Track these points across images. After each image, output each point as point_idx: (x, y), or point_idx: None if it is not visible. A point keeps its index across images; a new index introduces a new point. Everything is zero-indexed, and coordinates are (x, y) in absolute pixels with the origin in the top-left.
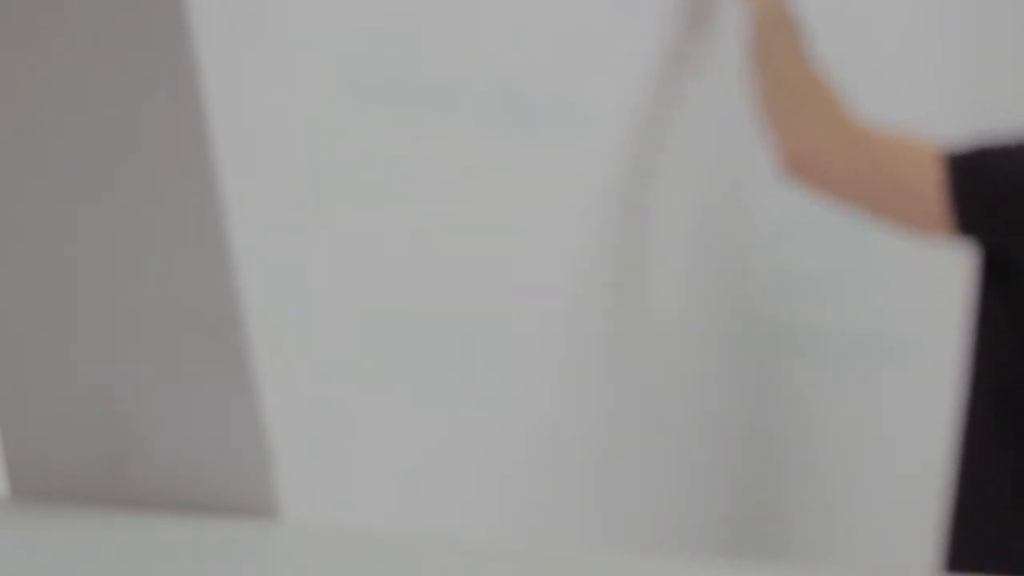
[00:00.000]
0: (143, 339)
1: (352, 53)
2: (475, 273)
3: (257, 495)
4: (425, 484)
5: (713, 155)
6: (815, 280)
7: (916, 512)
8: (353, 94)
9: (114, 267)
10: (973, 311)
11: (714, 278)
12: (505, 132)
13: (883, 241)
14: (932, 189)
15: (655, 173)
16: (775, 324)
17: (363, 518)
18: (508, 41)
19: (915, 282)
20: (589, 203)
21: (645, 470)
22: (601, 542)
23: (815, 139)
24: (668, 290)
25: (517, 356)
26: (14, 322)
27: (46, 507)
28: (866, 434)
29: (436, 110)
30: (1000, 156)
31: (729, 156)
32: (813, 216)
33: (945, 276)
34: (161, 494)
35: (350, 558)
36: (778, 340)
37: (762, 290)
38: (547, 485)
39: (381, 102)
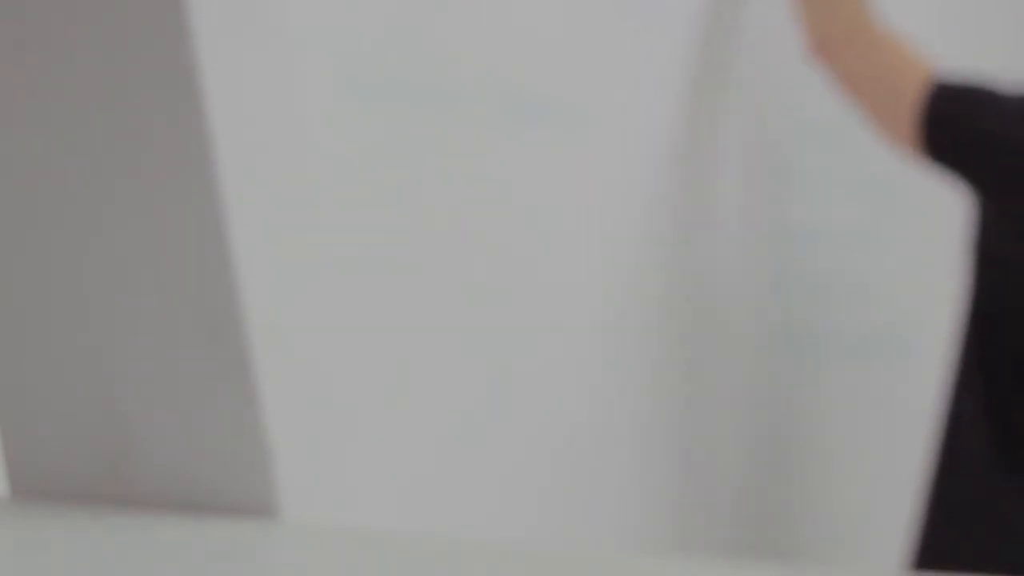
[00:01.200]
0: (143, 339)
1: (352, 53)
2: (474, 273)
3: (257, 495)
4: (425, 484)
5: (714, 157)
6: (817, 280)
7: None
8: (353, 94)
9: (114, 268)
10: (966, 265)
11: (715, 279)
12: (505, 132)
13: (886, 242)
14: (910, 104)
15: (656, 174)
16: (776, 325)
17: (363, 518)
18: (508, 41)
19: (918, 283)
20: (589, 203)
21: (644, 470)
22: (600, 542)
23: (833, 25)
24: (668, 291)
25: (516, 355)
26: (15, 323)
27: (46, 507)
28: (868, 434)
29: (436, 110)
30: (984, 98)
31: (730, 157)
32: (815, 217)
33: (948, 277)
34: (161, 494)
35: (350, 558)
36: (780, 340)
37: (764, 291)
38: (547, 485)
39: (381, 102)
